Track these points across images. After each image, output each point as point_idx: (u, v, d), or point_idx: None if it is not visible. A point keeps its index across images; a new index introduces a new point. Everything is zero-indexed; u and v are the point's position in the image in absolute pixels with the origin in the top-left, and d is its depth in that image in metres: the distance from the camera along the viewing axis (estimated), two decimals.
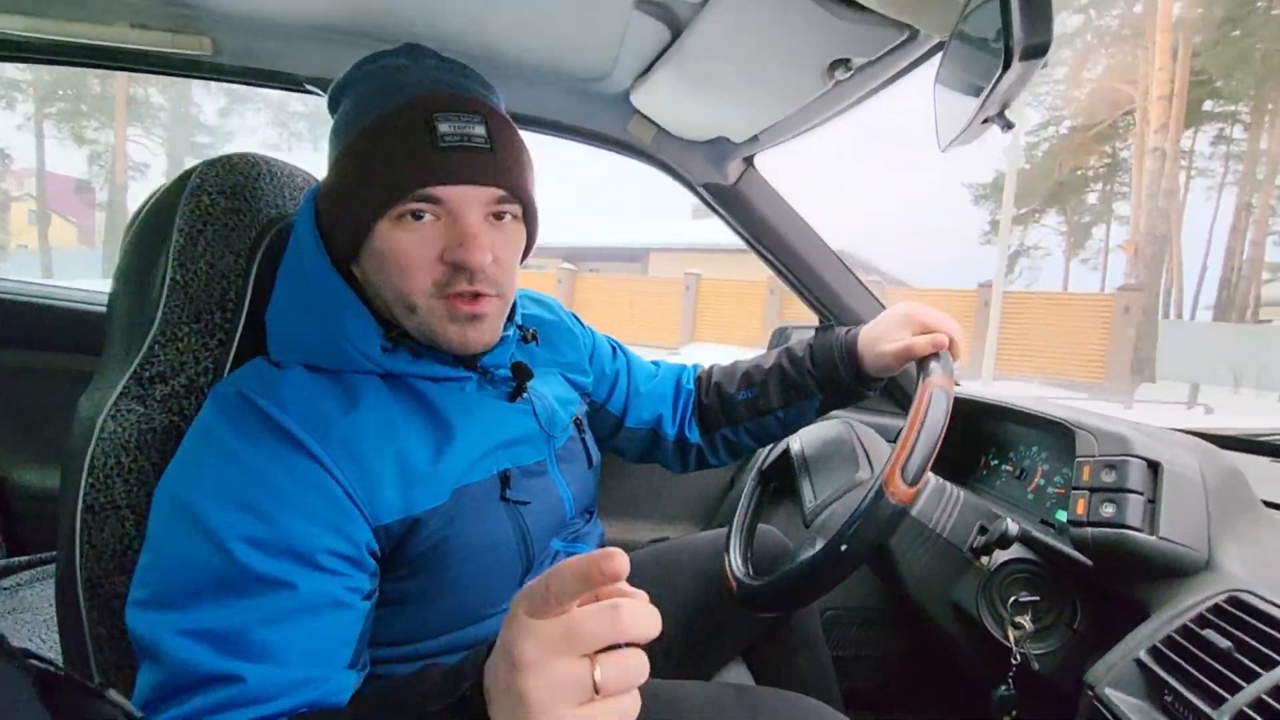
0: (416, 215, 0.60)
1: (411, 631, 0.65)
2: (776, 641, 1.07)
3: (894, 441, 0.94)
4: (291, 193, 0.79)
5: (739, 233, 1.25)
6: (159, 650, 0.49)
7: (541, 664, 0.36)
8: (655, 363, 1.05)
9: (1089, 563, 0.74)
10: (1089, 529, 0.72)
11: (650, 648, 0.92)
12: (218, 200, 0.71)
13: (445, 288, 0.61)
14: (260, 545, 0.51)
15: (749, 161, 1.19)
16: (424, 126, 0.59)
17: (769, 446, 1.11)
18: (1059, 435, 0.91)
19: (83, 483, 0.62)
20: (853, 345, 0.89)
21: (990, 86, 0.48)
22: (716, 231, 16.87)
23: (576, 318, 0.95)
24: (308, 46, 1.02)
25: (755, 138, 1.07)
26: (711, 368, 1.02)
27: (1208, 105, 18.23)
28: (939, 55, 0.69)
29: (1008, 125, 0.54)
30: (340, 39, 1.01)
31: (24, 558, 1.17)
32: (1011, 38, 0.44)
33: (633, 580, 1.02)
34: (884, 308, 1.29)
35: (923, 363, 0.81)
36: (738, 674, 1.04)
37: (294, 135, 23.28)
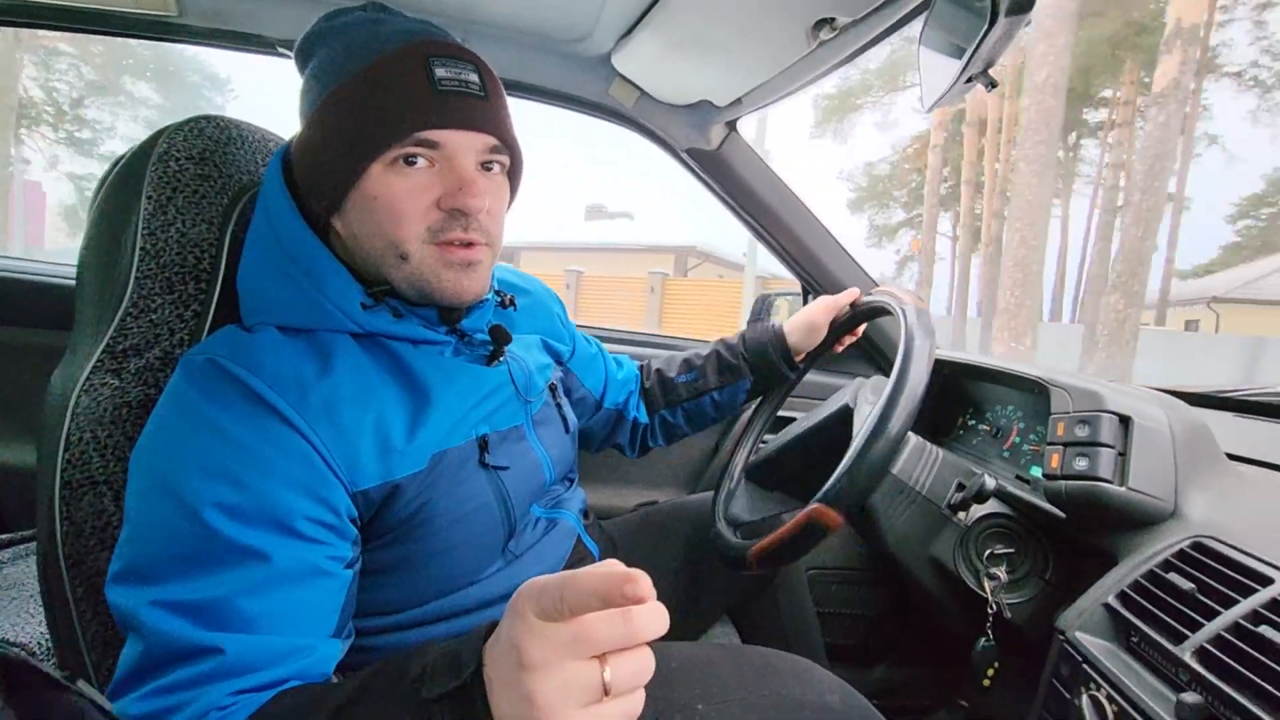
0: (410, 160, 0.59)
1: (395, 600, 0.65)
2: (762, 600, 1.10)
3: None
4: (264, 157, 0.77)
5: (722, 199, 1.24)
6: (138, 623, 0.48)
7: (551, 666, 0.35)
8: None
9: (1062, 515, 0.77)
10: (1062, 482, 0.74)
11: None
12: (186, 166, 0.68)
13: (438, 233, 0.61)
14: (236, 513, 0.50)
15: (732, 126, 1.17)
16: (422, 70, 0.59)
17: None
18: (1034, 394, 0.94)
19: (59, 459, 0.61)
20: (779, 327, 1.01)
21: (975, 44, 0.48)
22: (607, 233, 17.78)
23: (555, 295, 0.96)
24: (277, 6, 0.98)
25: (738, 101, 1.06)
26: (649, 360, 1.10)
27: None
28: (924, 15, 0.69)
29: (991, 84, 0.54)
30: (319, 2, 0.98)
31: (5, 535, 1.16)
32: None
33: (622, 545, 1.04)
34: (869, 277, 1.29)
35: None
36: (725, 633, 1.07)
37: None
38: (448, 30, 0.67)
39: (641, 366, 1.09)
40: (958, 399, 1.14)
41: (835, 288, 1.27)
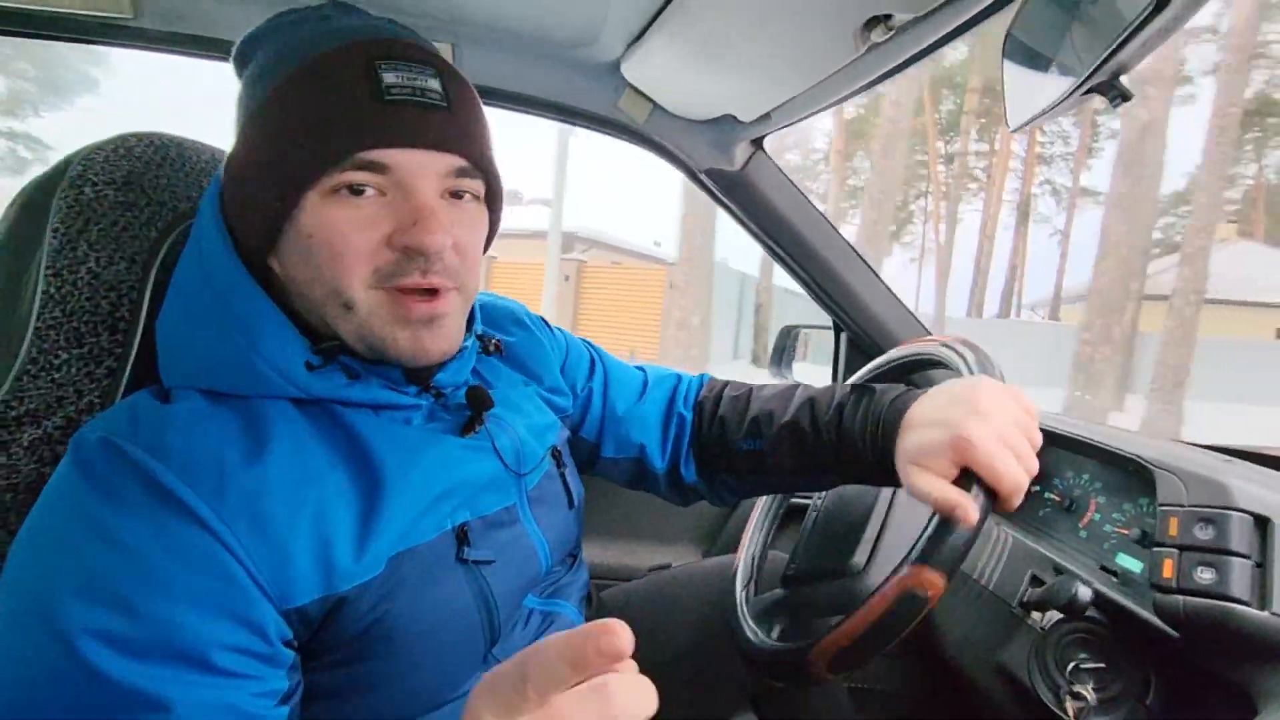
0: (355, 189, 0.49)
1: None
2: (787, 686, 0.95)
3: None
4: (209, 182, 0.66)
5: (745, 225, 1.11)
6: None
7: None
8: (640, 368, 0.87)
9: (1174, 633, 0.62)
10: (1180, 598, 0.59)
11: None
12: (105, 192, 0.57)
13: (390, 278, 0.50)
14: (127, 646, 0.39)
15: (758, 144, 1.04)
16: (364, 75, 0.48)
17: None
18: (1117, 467, 0.79)
19: None
20: (892, 423, 0.62)
21: (1115, 43, 0.35)
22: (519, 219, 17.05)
23: (545, 322, 0.81)
24: (242, 8, 0.87)
25: (767, 116, 0.92)
26: (721, 391, 0.82)
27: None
28: (1008, 9, 0.55)
29: (1122, 96, 0.40)
30: (280, 1, 0.87)
31: None
32: None
33: (632, 615, 0.86)
34: (912, 314, 1.15)
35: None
36: None
37: None
38: (431, 37, 0.57)
39: (699, 404, 0.82)
40: None
41: (872, 325, 1.13)
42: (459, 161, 0.51)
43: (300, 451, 0.49)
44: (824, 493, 0.87)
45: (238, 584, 0.43)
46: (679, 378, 0.86)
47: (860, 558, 0.72)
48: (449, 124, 0.50)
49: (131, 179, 0.59)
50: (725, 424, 0.78)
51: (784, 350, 1.44)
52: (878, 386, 0.68)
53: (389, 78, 0.48)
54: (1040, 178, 24.12)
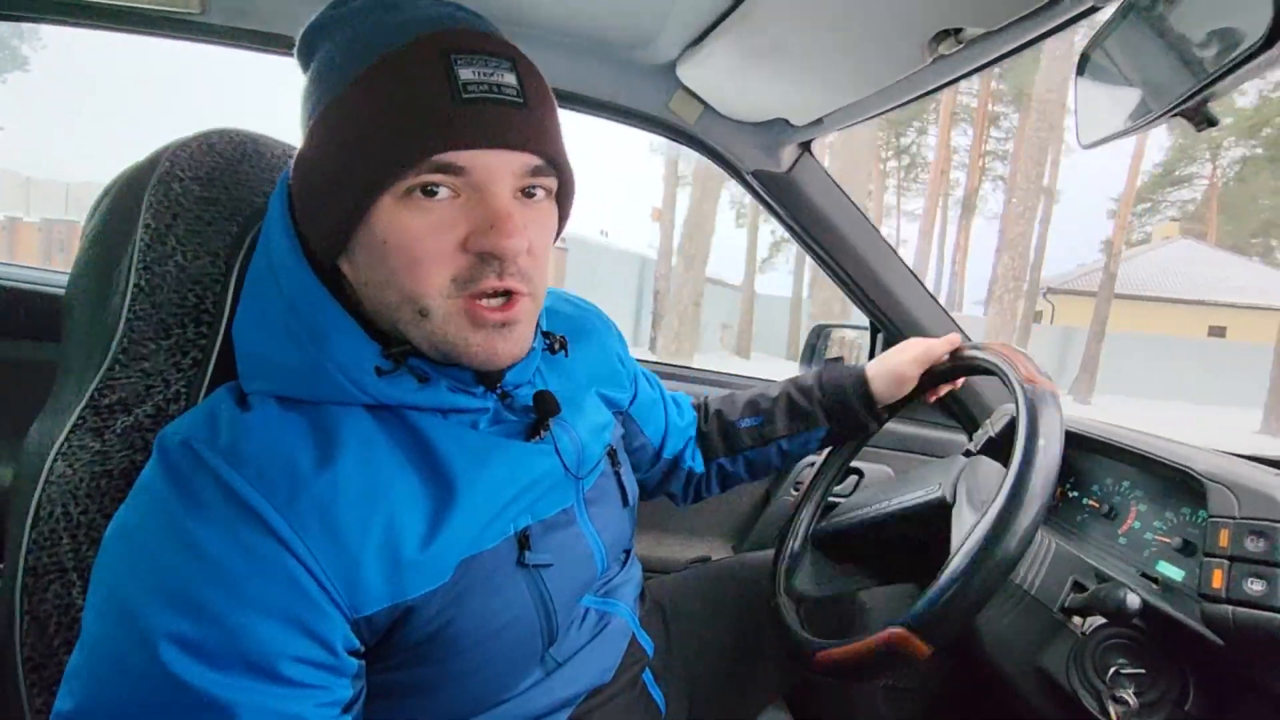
0: (429, 190, 0.47)
1: None
2: (822, 684, 0.97)
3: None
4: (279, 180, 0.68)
5: (789, 226, 1.11)
6: None
7: None
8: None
9: (1220, 642, 0.63)
10: (1229, 607, 0.60)
11: (686, 687, 0.78)
12: (191, 188, 0.59)
13: (467, 284, 0.49)
14: (201, 652, 0.40)
15: (805, 147, 1.05)
16: (441, 72, 0.46)
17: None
18: (1159, 475, 0.79)
19: (25, 537, 0.51)
20: (862, 372, 0.88)
21: (1215, 74, 0.35)
22: None
23: (611, 323, 0.82)
24: (307, 5, 0.89)
25: (819, 120, 0.93)
26: (705, 398, 0.98)
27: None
28: (1080, 25, 0.56)
29: (1209, 122, 0.40)
30: None
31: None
32: None
33: (671, 610, 0.89)
34: (949, 318, 1.15)
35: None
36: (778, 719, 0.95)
37: None
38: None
39: (697, 405, 0.96)
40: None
41: (912, 328, 1.14)
42: (535, 160, 0.49)
43: (370, 457, 0.49)
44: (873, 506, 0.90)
45: (308, 595, 0.43)
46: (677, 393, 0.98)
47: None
48: (526, 122, 0.48)
49: (214, 175, 0.61)
50: (723, 414, 0.93)
51: (814, 349, 1.44)
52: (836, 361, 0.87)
53: (465, 74, 0.46)
54: (995, 173, 23.70)
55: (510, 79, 0.48)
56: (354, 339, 0.50)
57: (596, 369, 0.74)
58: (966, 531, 0.60)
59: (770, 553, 0.93)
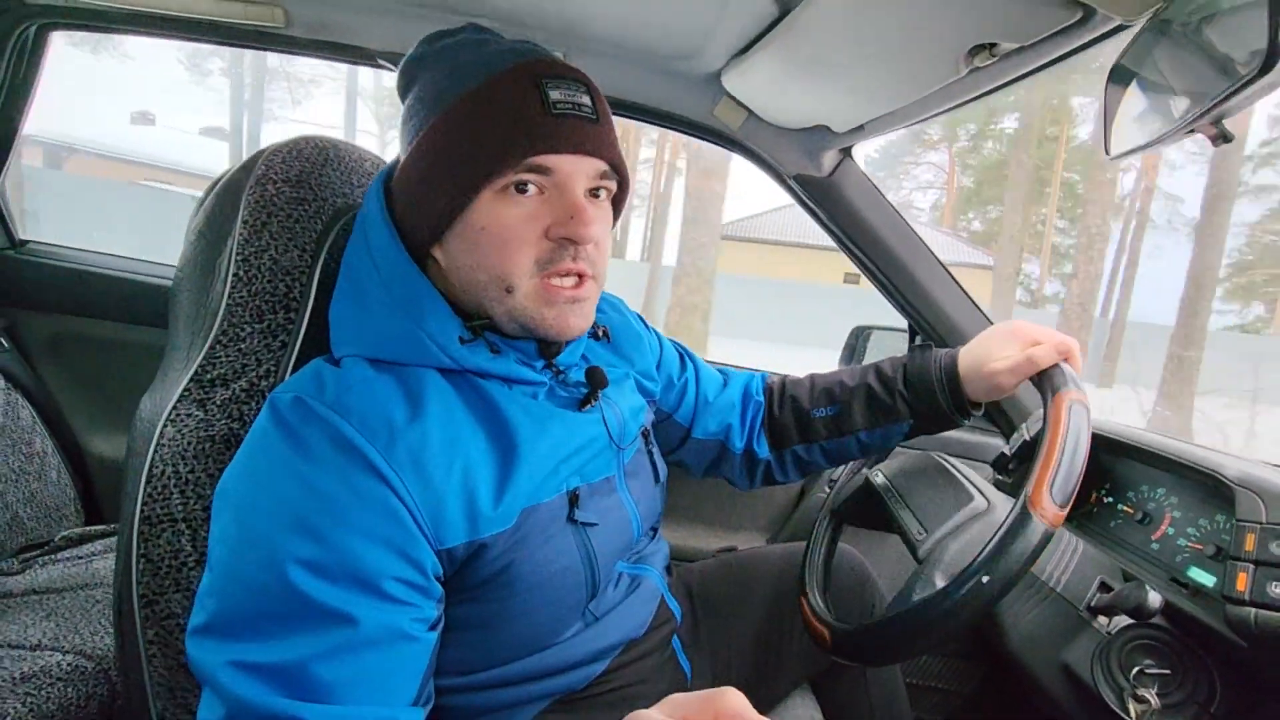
0: (521, 188, 0.57)
1: (468, 661, 0.61)
2: (846, 670, 0.99)
3: (1006, 468, 0.84)
4: (360, 179, 0.75)
5: (830, 230, 1.14)
6: (216, 684, 0.47)
7: None
8: (722, 370, 0.99)
9: (1243, 643, 0.64)
10: (1252, 609, 0.61)
11: (711, 664, 0.85)
12: (283, 190, 0.66)
13: (546, 265, 0.58)
14: (321, 571, 0.48)
15: (846, 152, 1.07)
16: (535, 92, 0.56)
17: (840, 482, 1.02)
18: (1195, 482, 0.79)
19: (141, 492, 0.59)
20: (953, 367, 0.82)
21: (1223, 94, 0.38)
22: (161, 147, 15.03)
23: (641, 318, 0.89)
24: (380, 20, 0.97)
25: (860, 128, 0.96)
26: (784, 379, 0.96)
27: None
28: (1111, 41, 0.58)
29: (1224, 138, 0.43)
30: (414, 12, 0.96)
31: (99, 527, 1.20)
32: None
33: (699, 596, 0.95)
34: (988, 321, 1.16)
35: (1046, 376, 0.72)
36: (803, 703, 0.98)
37: None
38: (546, 45, 0.64)
39: (769, 387, 0.95)
40: (1091, 470, 1.00)
41: (951, 332, 1.15)
42: (603, 166, 0.59)
43: (450, 415, 0.57)
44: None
45: (405, 526, 0.51)
46: (749, 373, 0.99)
47: (928, 567, 0.73)
48: (599, 134, 0.58)
49: (303, 178, 0.68)
50: (797, 401, 0.91)
51: (855, 349, 1.46)
52: (923, 350, 0.84)
53: (554, 94, 0.56)
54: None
55: (586, 99, 0.58)
56: (442, 313, 0.60)
57: (632, 355, 0.82)
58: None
59: (797, 545, 0.96)
